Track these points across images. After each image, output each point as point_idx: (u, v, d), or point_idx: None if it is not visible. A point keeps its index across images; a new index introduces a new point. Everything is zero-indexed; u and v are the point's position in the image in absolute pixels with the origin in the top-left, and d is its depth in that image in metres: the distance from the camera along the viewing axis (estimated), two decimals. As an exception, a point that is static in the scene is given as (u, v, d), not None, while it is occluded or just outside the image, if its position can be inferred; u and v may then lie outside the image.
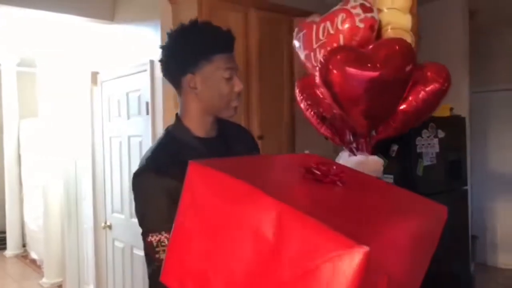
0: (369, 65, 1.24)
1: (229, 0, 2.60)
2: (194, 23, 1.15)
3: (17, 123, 5.97)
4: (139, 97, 2.94)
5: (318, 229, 0.61)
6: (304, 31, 1.33)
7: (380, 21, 1.39)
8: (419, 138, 2.78)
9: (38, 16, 3.10)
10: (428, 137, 2.83)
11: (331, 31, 0.86)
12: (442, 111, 2.99)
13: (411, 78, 1.44)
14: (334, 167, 0.88)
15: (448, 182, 3.02)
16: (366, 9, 1.03)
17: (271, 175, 0.90)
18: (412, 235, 0.78)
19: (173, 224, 0.80)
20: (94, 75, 3.46)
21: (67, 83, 4.01)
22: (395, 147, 2.71)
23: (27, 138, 5.73)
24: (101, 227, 3.36)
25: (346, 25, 1.08)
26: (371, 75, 1.21)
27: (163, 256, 0.99)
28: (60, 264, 4.25)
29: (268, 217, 0.66)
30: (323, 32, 0.95)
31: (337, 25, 0.88)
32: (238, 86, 1.16)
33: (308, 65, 1.64)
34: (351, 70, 1.24)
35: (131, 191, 1.10)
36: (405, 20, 1.22)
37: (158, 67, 2.77)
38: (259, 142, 1.48)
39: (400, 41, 1.33)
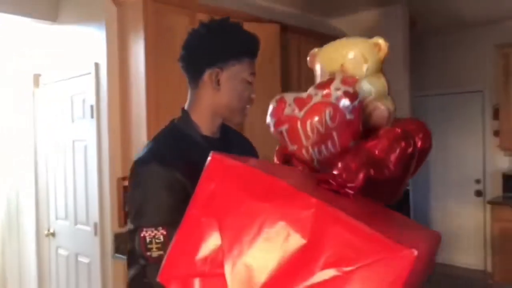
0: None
1: (175, 4, 2.60)
2: (228, 21, 1.14)
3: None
4: (83, 100, 2.86)
5: (362, 231, 0.59)
6: (286, 125, 1.11)
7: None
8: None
9: (-26, 15, 2.95)
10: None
11: (321, 130, 0.82)
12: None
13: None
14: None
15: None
16: (351, 97, 0.89)
17: (291, 177, 0.83)
18: (426, 255, 0.75)
19: (183, 218, 0.73)
20: (37, 78, 3.33)
21: (6, 86, 3.83)
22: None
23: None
24: (44, 235, 3.22)
25: (337, 121, 0.93)
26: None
27: (155, 254, 0.94)
28: (0, 277, 4.02)
29: (304, 215, 0.63)
30: (312, 131, 0.89)
31: (326, 122, 0.84)
32: (254, 93, 1.16)
33: (299, 156, 1.51)
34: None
35: (124, 189, 1.03)
36: (382, 85, 1.13)
37: (103, 69, 2.77)
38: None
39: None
